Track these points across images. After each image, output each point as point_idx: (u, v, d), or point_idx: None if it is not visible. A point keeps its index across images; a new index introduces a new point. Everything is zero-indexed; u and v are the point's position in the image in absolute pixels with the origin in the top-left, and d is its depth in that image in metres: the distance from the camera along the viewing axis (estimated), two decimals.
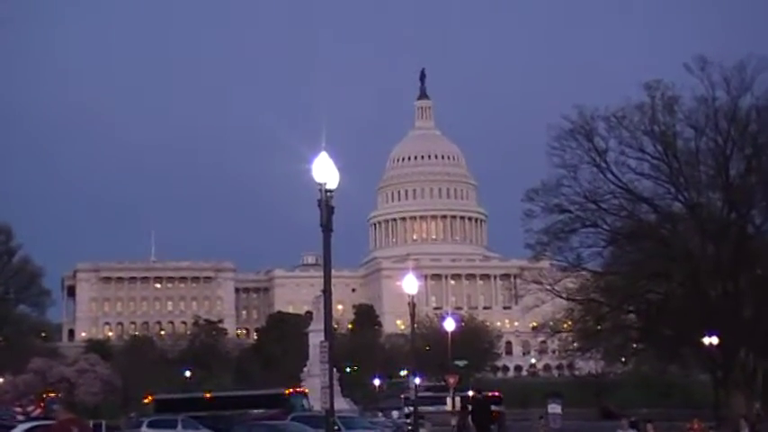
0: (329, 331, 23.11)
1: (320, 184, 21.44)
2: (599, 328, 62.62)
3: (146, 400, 79.81)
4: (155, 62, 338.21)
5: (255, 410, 60.45)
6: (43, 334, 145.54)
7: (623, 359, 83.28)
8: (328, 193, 21.49)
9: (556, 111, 59.08)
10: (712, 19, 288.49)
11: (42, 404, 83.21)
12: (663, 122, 55.51)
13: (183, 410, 60.93)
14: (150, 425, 52.58)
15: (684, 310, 55.98)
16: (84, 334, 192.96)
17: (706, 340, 52.93)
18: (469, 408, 38.40)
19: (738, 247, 54.94)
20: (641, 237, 58.13)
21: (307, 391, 61.75)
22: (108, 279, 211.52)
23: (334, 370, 24.40)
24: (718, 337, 52.43)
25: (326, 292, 22.40)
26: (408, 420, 49.76)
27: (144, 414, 67.12)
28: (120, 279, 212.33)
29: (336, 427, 35.16)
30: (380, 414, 72.23)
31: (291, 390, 68.28)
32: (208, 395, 73.71)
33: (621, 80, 70.59)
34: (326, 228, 21.48)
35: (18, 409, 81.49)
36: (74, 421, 11.51)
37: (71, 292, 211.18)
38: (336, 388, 68.72)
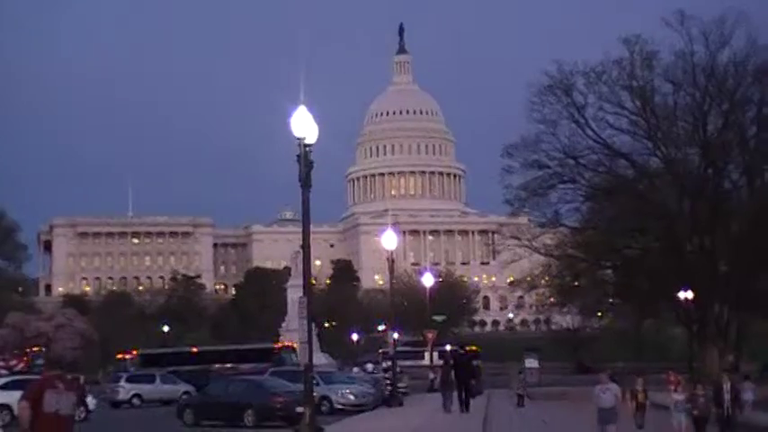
0: (307, 287, 23.10)
1: (299, 139, 21.26)
2: (576, 283, 63.05)
3: (119, 356, 79.88)
4: (133, 18, 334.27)
5: (244, 365, 60.46)
6: (20, 289, 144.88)
7: (599, 314, 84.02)
8: (307, 148, 21.32)
9: (535, 66, 58.95)
10: None
11: (26, 359, 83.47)
12: (641, 77, 55.47)
13: (170, 365, 61.02)
14: (129, 380, 52.61)
15: (660, 266, 56.36)
16: (60, 289, 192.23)
17: (681, 295, 53.38)
18: (452, 362, 38.53)
19: (715, 203, 55.25)
20: (619, 192, 58.29)
21: (296, 345, 61.85)
22: (85, 234, 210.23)
23: (313, 325, 24.38)
24: (694, 291, 52.89)
25: (305, 247, 22.35)
26: (387, 375, 49.98)
27: (124, 369, 67.25)
28: (97, 234, 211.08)
29: (315, 382, 35.23)
30: (355, 368, 72.69)
31: (281, 344, 68.49)
32: (194, 350, 73.83)
33: (601, 35, 70.34)
34: (305, 182, 21.36)
35: (1, 364, 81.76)
36: (59, 377, 11.43)
37: (47, 247, 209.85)
38: (315, 343, 69.04)
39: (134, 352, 76.67)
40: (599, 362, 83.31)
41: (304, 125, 21.17)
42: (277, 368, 48.73)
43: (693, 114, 55.91)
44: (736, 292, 54.23)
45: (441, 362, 54.60)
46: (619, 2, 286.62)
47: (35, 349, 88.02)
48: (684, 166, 56.74)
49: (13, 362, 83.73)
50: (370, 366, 74.38)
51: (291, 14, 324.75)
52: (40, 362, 76.61)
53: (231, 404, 33.53)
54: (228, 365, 62.74)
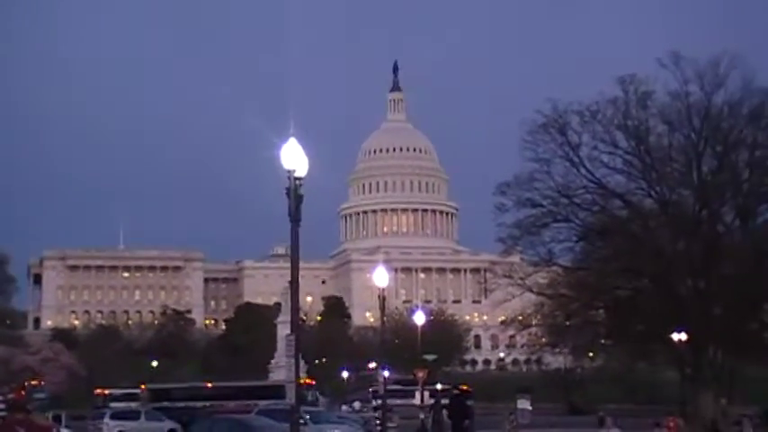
0: (295, 323, 22.50)
1: (289, 171, 20.79)
2: (568, 323, 62.36)
3: (97, 392, 78.48)
4: (125, 52, 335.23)
5: (262, 402, 59.16)
6: (8, 322, 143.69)
7: (591, 354, 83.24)
8: (297, 181, 20.84)
9: (529, 105, 58.69)
10: (686, 15, 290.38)
11: (24, 392, 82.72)
12: (636, 117, 55.19)
13: (181, 400, 60.17)
14: (113, 416, 51.73)
15: (654, 307, 55.77)
16: (49, 322, 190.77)
17: (675, 337, 52.79)
18: (443, 402, 37.95)
19: (709, 245, 54.79)
20: (613, 232, 57.83)
21: (314, 382, 60.54)
22: (75, 267, 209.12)
23: (303, 362, 23.77)
24: (688, 334, 52.31)
25: (293, 282, 21.79)
26: (377, 414, 49.22)
27: (103, 405, 66.23)
28: (87, 267, 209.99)
29: (303, 422, 34.52)
30: (344, 407, 71.71)
31: (303, 381, 67.45)
32: (209, 385, 72.85)
33: (595, 75, 70.34)
34: (295, 216, 20.86)
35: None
36: (20, 421, 10.91)
37: (37, 279, 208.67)
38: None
39: (143, 387, 75.67)
40: (591, 403, 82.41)
41: (294, 157, 20.72)
42: (265, 407, 47.81)
43: (688, 155, 55.61)
44: (730, 335, 53.62)
45: (431, 401, 53.84)
46: (613, 42, 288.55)
47: (33, 383, 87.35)
48: (679, 208, 56.36)
49: (11, 395, 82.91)
50: (357, 404, 73.55)
51: (284, 50, 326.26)
52: (41, 395, 75.97)
53: None
54: (244, 402, 61.36)
